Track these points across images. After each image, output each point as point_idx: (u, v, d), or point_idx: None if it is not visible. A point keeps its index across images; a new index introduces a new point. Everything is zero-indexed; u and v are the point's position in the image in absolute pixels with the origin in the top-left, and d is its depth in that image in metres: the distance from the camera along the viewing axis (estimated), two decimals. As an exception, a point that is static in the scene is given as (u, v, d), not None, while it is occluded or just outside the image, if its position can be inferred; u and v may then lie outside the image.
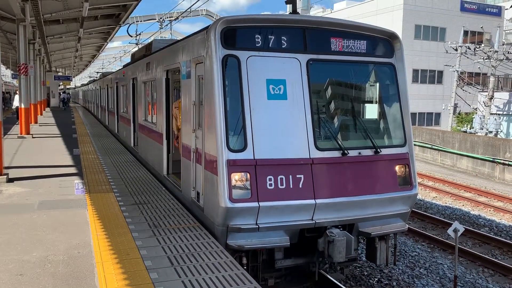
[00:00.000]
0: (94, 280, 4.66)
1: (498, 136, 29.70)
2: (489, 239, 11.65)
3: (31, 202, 7.71)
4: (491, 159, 22.38)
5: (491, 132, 30.17)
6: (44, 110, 35.64)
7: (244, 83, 6.04)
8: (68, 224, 6.52)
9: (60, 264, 5.05)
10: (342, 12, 46.34)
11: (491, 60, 32.32)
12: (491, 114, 31.82)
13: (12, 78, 57.88)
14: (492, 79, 32.18)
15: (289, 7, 7.11)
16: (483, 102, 32.84)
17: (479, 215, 14.43)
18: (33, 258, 5.23)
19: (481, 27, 37.36)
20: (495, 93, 32.05)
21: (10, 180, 9.41)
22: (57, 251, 5.44)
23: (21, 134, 17.39)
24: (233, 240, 5.88)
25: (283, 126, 6.15)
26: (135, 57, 14.42)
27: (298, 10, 7.46)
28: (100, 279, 4.65)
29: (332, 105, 6.84)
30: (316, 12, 54.43)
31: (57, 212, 7.13)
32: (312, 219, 6.13)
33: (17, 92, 21.13)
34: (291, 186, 6.01)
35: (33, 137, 17.26)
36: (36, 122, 23.45)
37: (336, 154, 6.36)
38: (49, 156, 12.76)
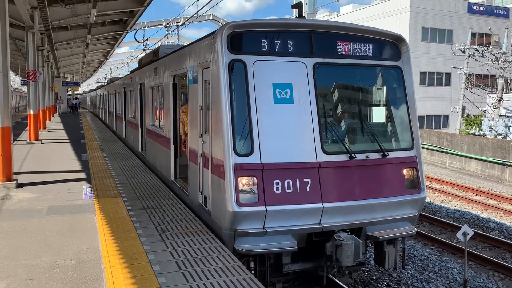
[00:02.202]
0: (103, 285, 4.68)
1: (508, 138, 29.43)
2: (499, 242, 11.53)
3: (40, 207, 7.77)
4: (501, 161, 22.19)
5: (500, 134, 29.93)
6: (53, 115, 35.93)
7: (250, 88, 6.06)
8: (77, 229, 6.56)
9: (69, 269, 5.08)
10: (348, 15, 46.32)
11: (500, 62, 32.11)
12: (500, 116, 31.58)
13: (21, 84, 58.46)
14: (500, 81, 31.96)
15: (295, 11, 7.11)
16: (492, 104, 32.61)
17: (488, 218, 14.30)
18: (42, 262, 5.27)
19: (489, 28, 37.19)
20: (503, 95, 31.82)
21: (20, 186, 9.50)
22: (66, 256, 5.47)
23: (30, 140, 17.56)
24: (241, 245, 5.88)
25: (290, 130, 6.15)
26: (142, 63, 14.51)
27: (304, 14, 7.47)
28: (108, 284, 4.67)
29: (339, 109, 6.82)
30: (322, 15, 54.51)
31: (65, 217, 7.18)
32: (319, 223, 6.11)
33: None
34: (298, 190, 6.00)
35: (42, 143, 17.41)
36: (45, 128, 23.66)
37: (343, 157, 6.34)
38: (58, 161, 12.86)
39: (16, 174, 10.35)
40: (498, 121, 31.12)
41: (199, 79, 7.17)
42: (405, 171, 6.78)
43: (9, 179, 9.51)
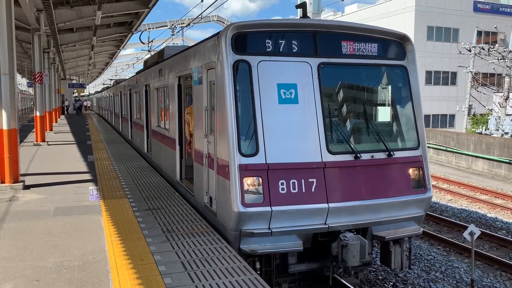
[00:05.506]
0: (109, 286, 4.70)
1: (514, 137, 29.24)
2: (507, 242, 11.46)
3: (47, 209, 7.81)
4: (508, 160, 22.04)
5: (507, 133, 29.74)
6: (59, 117, 36.13)
7: (255, 88, 6.06)
8: (83, 230, 6.59)
9: (75, 270, 5.11)
10: (353, 15, 46.21)
11: (506, 60, 31.90)
12: (507, 115, 31.36)
13: (28, 86, 58.86)
14: (507, 79, 31.76)
15: (299, 11, 7.11)
16: (498, 103, 32.40)
17: (495, 217, 14.21)
18: (49, 263, 5.30)
19: (495, 27, 36.97)
20: (510, 94, 31.60)
21: (26, 187, 9.55)
22: (73, 257, 5.50)
23: (36, 141, 17.66)
24: (246, 245, 5.88)
25: (295, 130, 6.14)
26: (147, 64, 14.56)
27: (309, 14, 7.46)
28: (115, 285, 4.68)
29: (344, 109, 6.81)
30: (327, 15, 54.40)
31: (72, 218, 7.21)
32: (325, 223, 6.10)
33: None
34: (304, 190, 5.99)
35: (48, 145, 17.50)
36: (51, 130, 23.79)
37: (349, 157, 6.33)
38: (64, 163, 12.93)
39: (23, 175, 10.41)
40: (504, 119, 30.91)
41: (204, 79, 7.18)
42: (411, 170, 6.75)
43: (16, 180, 9.57)
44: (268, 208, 5.81)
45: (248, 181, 5.85)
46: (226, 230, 6.10)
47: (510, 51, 32.23)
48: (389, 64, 6.99)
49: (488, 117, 35.00)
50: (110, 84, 40.81)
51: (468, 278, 9.11)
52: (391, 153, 6.60)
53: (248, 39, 6.21)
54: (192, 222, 6.91)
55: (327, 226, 6.09)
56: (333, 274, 6.69)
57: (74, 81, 58.33)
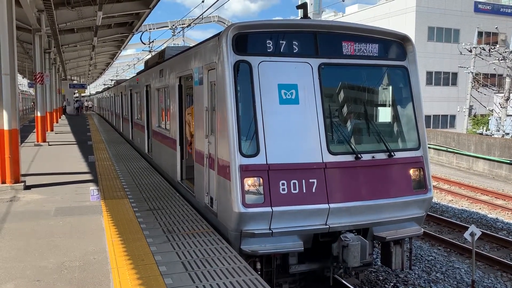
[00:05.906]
0: (110, 286, 4.70)
1: (515, 137, 29.21)
2: (507, 242, 11.45)
3: (48, 209, 7.82)
4: (509, 161, 22.02)
5: (507, 134, 29.72)
6: (60, 117, 36.15)
7: (256, 88, 6.06)
8: (84, 230, 6.59)
9: (76, 270, 5.11)
10: (354, 15, 46.21)
11: (507, 60, 31.87)
12: (508, 115, 31.34)
13: (29, 87, 58.93)
14: (508, 80, 31.73)
15: (300, 12, 7.11)
16: (499, 103, 32.39)
17: (496, 218, 14.20)
18: (50, 264, 5.31)
19: (496, 27, 36.92)
20: (511, 94, 31.58)
21: (27, 187, 9.56)
22: (73, 257, 5.50)
23: (37, 142, 17.67)
24: (247, 245, 5.88)
25: (296, 130, 6.15)
26: (148, 65, 14.57)
27: (310, 14, 7.46)
28: (115, 285, 4.69)
29: (345, 109, 6.81)
30: (328, 16, 54.40)
31: (73, 218, 7.22)
32: (326, 224, 6.10)
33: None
34: (304, 191, 5.99)
35: (49, 145, 17.52)
36: (52, 130, 23.80)
37: (349, 158, 6.33)
38: (65, 163, 12.94)
39: (24, 176, 10.42)
40: (505, 120, 30.90)
41: (205, 80, 7.19)
42: (411, 171, 6.75)
43: (17, 181, 9.57)
44: (268, 209, 5.81)
45: (249, 182, 5.86)
46: (227, 230, 6.11)
47: (511, 52, 32.21)
48: (389, 65, 6.99)
49: (489, 118, 34.99)
50: (111, 85, 40.84)
51: (468, 279, 9.10)
52: (392, 153, 6.60)
53: (249, 39, 6.22)
54: (192, 222, 6.91)
55: (328, 226, 6.09)
56: (334, 275, 6.68)
57: (75, 82, 58.36)
